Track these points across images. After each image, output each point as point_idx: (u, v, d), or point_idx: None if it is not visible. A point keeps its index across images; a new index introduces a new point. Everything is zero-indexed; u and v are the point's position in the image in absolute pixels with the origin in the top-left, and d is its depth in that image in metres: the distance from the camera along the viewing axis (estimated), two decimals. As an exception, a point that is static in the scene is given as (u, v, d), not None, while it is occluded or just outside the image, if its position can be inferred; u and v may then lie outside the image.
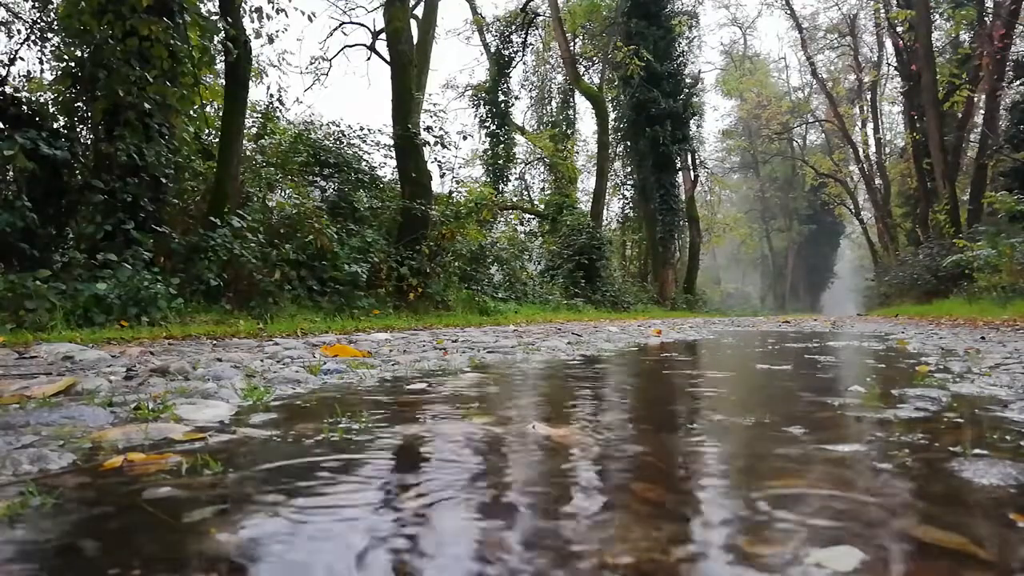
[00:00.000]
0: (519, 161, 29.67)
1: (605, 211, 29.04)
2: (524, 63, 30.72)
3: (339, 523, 0.93)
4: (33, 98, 8.15)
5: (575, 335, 6.95)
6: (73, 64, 7.85)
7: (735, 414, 1.88)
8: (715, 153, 48.96)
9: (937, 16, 24.88)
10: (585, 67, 29.27)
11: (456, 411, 1.91)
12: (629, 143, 28.36)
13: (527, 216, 26.91)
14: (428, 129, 13.79)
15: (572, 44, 27.16)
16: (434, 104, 17.53)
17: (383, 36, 17.08)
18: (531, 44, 29.96)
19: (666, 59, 26.79)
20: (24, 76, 8.81)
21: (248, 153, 11.80)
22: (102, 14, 7.47)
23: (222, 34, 8.87)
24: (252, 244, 8.76)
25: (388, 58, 14.05)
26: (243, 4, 9.67)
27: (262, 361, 3.38)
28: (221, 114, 10.42)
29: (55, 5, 8.67)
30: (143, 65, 7.73)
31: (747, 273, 68.54)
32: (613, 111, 28.32)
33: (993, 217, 17.61)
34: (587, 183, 31.93)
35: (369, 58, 23.54)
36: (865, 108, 36.51)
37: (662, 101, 26.11)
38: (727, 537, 0.88)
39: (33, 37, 8.83)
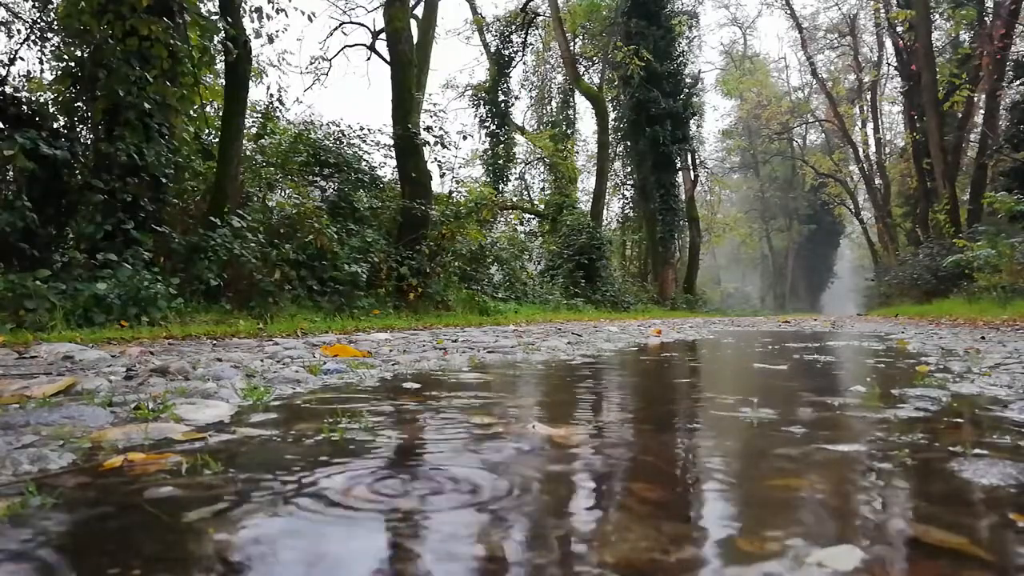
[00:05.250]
0: (519, 161, 29.68)
1: (605, 211, 29.07)
2: (524, 63, 30.79)
3: (339, 523, 0.93)
4: (33, 98, 8.14)
5: (575, 335, 6.94)
6: (73, 64, 7.84)
7: (735, 414, 1.88)
8: (715, 153, 48.95)
9: (937, 16, 24.88)
10: (585, 67, 29.27)
11: (456, 411, 1.91)
12: (629, 143, 28.38)
13: (527, 216, 26.90)
14: (428, 129, 13.78)
15: (572, 44, 27.15)
16: (434, 104, 17.52)
17: (383, 36, 17.06)
18: (531, 44, 30.00)
19: (666, 59, 26.80)
20: (24, 76, 8.81)
21: (248, 153, 11.80)
22: (102, 14, 7.46)
23: (222, 34, 8.88)
24: (252, 244, 8.76)
25: (388, 58, 14.05)
26: (243, 4, 9.68)
27: (262, 361, 3.38)
28: (221, 114, 10.42)
29: (55, 5, 8.66)
30: (143, 65, 7.72)
31: (747, 273, 68.51)
32: (613, 111, 28.33)
33: (993, 217, 17.61)
34: (587, 183, 31.96)
35: (369, 58, 23.51)
36: (865, 108, 36.52)
37: (662, 101, 26.12)
38: (727, 536, 0.88)
39: (33, 37, 8.83)
